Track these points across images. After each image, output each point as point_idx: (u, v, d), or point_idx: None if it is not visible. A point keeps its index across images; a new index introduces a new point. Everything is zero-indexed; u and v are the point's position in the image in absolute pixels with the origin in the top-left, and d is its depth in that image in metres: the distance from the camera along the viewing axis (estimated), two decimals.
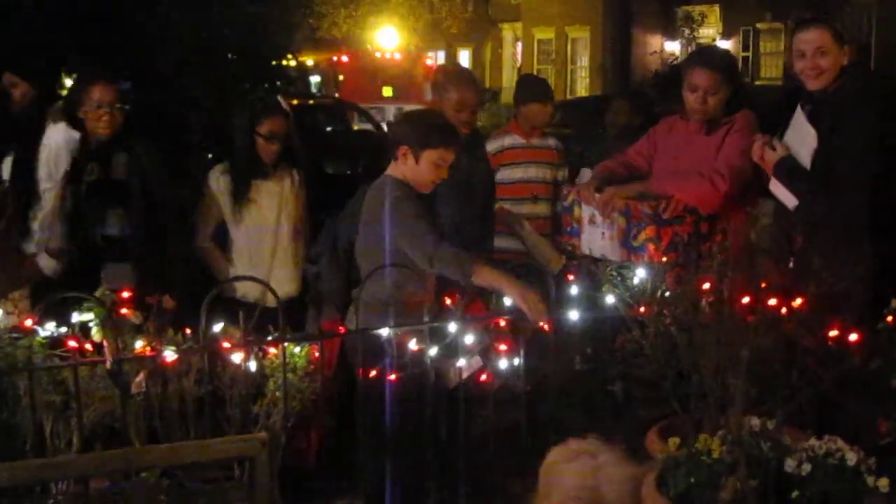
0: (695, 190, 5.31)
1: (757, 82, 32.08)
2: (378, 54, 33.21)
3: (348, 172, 14.90)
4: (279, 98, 6.06)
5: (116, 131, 5.42)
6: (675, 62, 29.66)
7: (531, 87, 7.46)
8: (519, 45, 44.57)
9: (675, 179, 5.43)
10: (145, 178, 5.51)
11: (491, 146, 6.97)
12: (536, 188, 7.02)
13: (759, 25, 35.03)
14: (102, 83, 5.43)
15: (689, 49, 32.40)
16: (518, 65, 43.88)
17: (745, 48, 35.37)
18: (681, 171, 5.47)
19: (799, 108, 5.08)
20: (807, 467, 3.41)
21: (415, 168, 4.90)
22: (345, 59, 31.57)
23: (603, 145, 7.75)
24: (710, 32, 36.50)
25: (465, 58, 49.05)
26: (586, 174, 6.26)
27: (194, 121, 8.63)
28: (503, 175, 6.91)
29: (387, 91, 29.90)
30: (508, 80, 43.37)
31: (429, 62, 32.65)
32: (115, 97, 5.43)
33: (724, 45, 35.24)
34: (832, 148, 4.85)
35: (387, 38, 42.90)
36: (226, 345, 4.29)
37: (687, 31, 36.23)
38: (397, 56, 32.88)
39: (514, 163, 7.02)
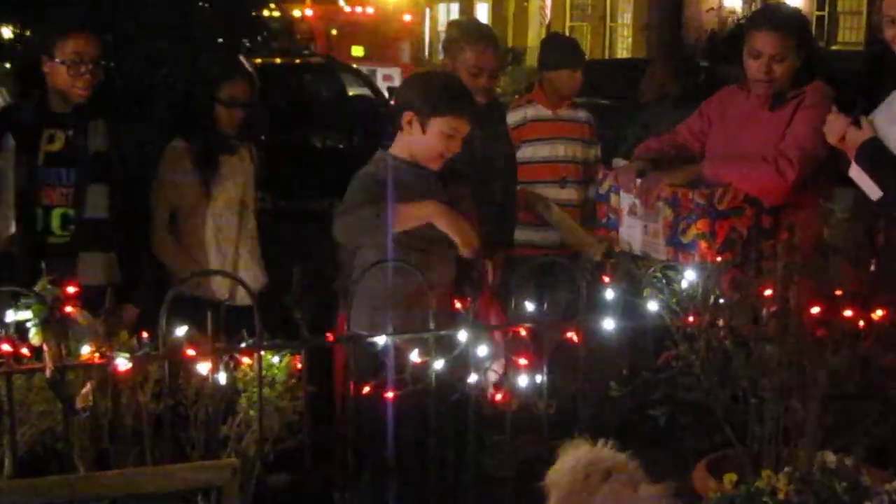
0: (757, 177, 5.33)
1: (833, 47, 32.07)
2: (348, 8, 33.46)
3: (341, 146, 14.99)
4: (241, 58, 6.05)
5: (93, 93, 5.39)
6: (737, 22, 29.70)
7: (560, 49, 7.48)
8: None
9: (733, 164, 5.44)
10: (125, 150, 5.52)
11: (511, 118, 6.98)
12: (566, 169, 7.05)
13: None
14: (83, 34, 5.36)
15: (753, 6, 32.42)
16: (546, 21, 43.81)
17: (820, 6, 35.31)
18: (740, 153, 5.48)
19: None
20: None
21: (421, 138, 4.93)
22: (308, 12, 31.80)
23: (644, 119, 7.77)
24: None
25: (483, 12, 49.05)
26: (620, 161, 6.31)
27: (161, 84, 8.59)
28: (525, 153, 6.93)
29: (356, 51, 30.13)
30: (534, 38, 43.36)
31: (406, 18, 32.90)
32: (98, 51, 5.37)
33: (795, 2, 35.29)
34: None
35: None
36: (190, 352, 4.28)
37: None
38: (369, 10, 33.14)
39: (538, 138, 7.05)
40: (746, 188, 5.29)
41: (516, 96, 7.69)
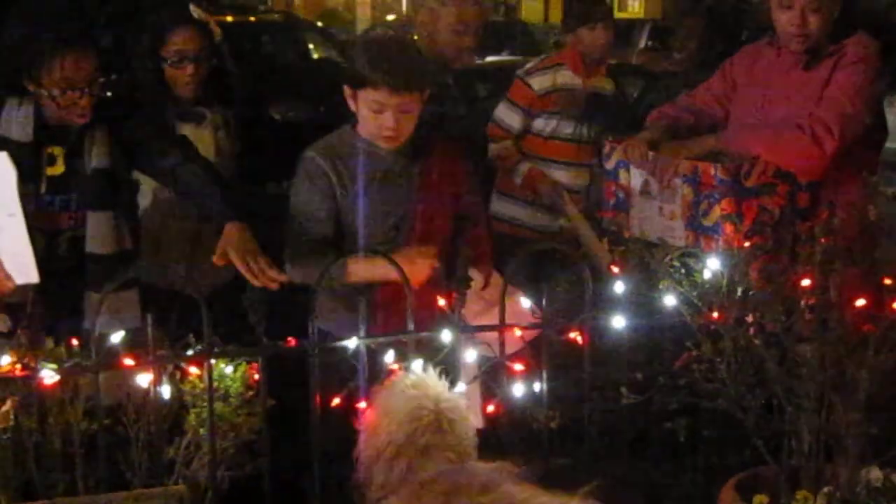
0: (790, 147, 5.36)
1: None
2: None
3: (304, 120, 15.01)
4: (191, 6, 6.05)
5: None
6: None
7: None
8: None
9: (763, 133, 5.49)
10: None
11: (538, 82, 7.01)
12: (587, 152, 7.04)
13: None
14: (78, 53, 5.15)
15: None
16: None
17: None
18: (770, 120, 5.52)
19: None
20: None
21: (360, 115, 5.03)
22: None
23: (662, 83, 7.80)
24: None
25: None
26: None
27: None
28: (543, 125, 6.95)
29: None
30: None
31: None
32: (96, 70, 5.19)
33: None
34: None
35: None
36: (128, 362, 4.30)
37: None
38: None
39: (564, 111, 7.03)
40: (778, 161, 5.32)
41: (542, 56, 7.53)
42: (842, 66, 5.45)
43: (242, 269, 4.85)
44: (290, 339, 4.56)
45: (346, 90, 5.02)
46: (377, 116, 4.93)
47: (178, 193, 5.38)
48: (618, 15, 35.92)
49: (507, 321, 4.70)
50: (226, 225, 4.95)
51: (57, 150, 5.13)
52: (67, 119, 5.10)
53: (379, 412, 4.15)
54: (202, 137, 5.77)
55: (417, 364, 4.38)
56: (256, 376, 4.51)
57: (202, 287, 4.97)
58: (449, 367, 4.43)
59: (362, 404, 4.37)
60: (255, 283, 4.78)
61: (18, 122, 5.06)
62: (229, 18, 19.98)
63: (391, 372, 4.41)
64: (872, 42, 5.54)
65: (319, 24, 24.12)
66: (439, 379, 4.24)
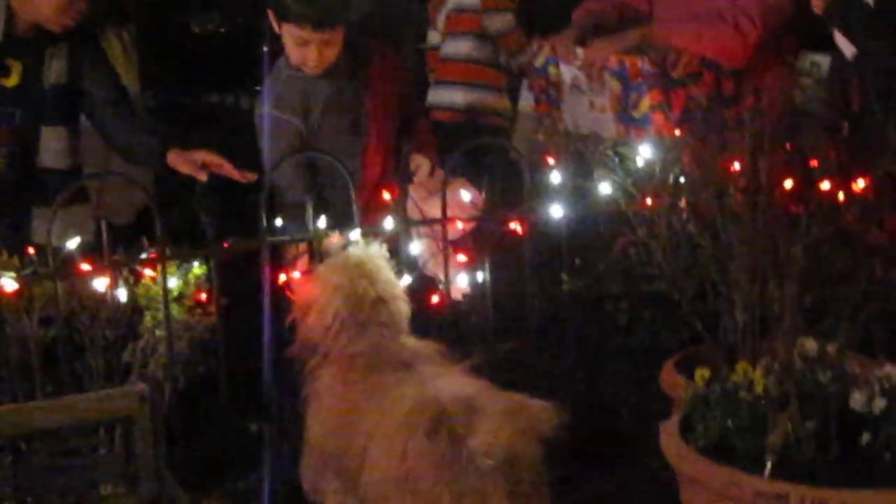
0: (715, 36, 5.44)
1: None
2: None
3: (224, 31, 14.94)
4: None
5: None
6: None
7: None
8: None
9: (687, 25, 5.54)
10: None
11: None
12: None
13: None
14: None
15: None
16: None
17: None
18: (694, 11, 5.56)
19: None
20: (880, 403, 3.58)
21: (285, 42, 5.16)
22: None
23: None
24: None
25: None
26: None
27: None
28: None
29: None
30: None
31: None
32: None
33: None
34: None
35: None
36: (84, 267, 4.36)
37: None
38: None
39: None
40: (703, 51, 5.42)
41: None
42: None
43: (188, 170, 4.98)
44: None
45: (271, 17, 5.11)
46: (301, 49, 5.07)
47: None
48: None
49: (449, 212, 4.82)
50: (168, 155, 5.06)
51: (14, 63, 5.11)
52: (45, 25, 5.07)
53: (324, 288, 4.26)
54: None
55: (359, 242, 4.51)
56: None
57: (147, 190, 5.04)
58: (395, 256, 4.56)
59: (296, 275, 4.54)
60: (202, 176, 4.94)
61: None
62: None
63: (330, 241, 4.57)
64: None
65: None
66: (381, 256, 4.37)
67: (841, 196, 4.24)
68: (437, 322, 4.77)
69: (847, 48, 5.13)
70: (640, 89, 5.44)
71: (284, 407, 4.62)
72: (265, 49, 5.97)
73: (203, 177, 4.99)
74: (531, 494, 3.68)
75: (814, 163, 4.36)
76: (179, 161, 5.02)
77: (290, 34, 5.08)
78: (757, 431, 3.59)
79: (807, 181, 4.26)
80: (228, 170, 4.96)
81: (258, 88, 5.56)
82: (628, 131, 5.44)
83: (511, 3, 6.88)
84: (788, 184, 4.25)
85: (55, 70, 5.19)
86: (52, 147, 5.22)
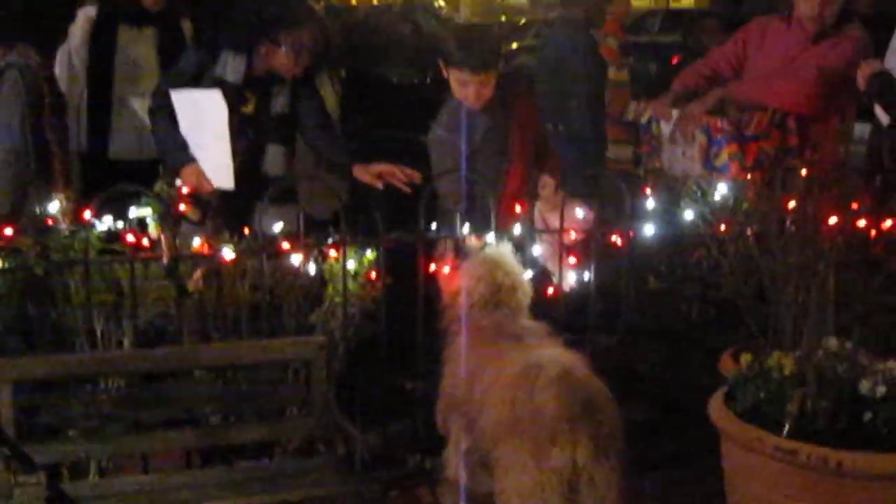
0: (780, 88, 5.56)
1: None
2: None
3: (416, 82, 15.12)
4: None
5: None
6: None
7: None
8: None
9: (760, 81, 5.68)
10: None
11: None
12: None
13: None
14: (313, 25, 5.41)
15: None
16: None
17: None
18: (771, 69, 5.70)
19: None
20: (882, 389, 3.72)
21: (451, 83, 5.30)
22: None
23: None
24: None
25: None
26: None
27: None
28: None
29: None
30: None
31: None
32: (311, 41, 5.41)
33: None
34: None
35: None
36: (285, 246, 4.64)
37: None
38: None
39: None
40: (775, 101, 5.52)
41: None
42: (840, 45, 5.63)
43: (368, 179, 5.27)
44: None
45: (441, 64, 5.29)
46: (463, 89, 5.21)
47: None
48: (673, 4, 35.47)
49: (566, 223, 5.01)
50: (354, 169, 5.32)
51: (249, 94, 5.32)
52: (276, 71, 5.32)
53: (470, 275, 4.50)
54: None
55: (495, 242, 4.73)
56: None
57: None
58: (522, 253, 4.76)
59: (447, 270, 4.74)
60: (378, 184, 5.21)
61: (234, 67, 5.25)
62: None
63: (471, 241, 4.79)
64: (863, 30, 5.71)
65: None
66: (512, 254, 4.59)
67: (872, 231, 4.35)
68: (551, 308, 4.87)
69: (883, 118, 5.23)
70: (720, 143, 5.52)
71: (431, 368, 4.72)
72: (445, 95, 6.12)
73: (379, 184, 5.21)
74: (610, 442, 3.82)
75: (854, 205, 4.45)
76: (361, 172, 5.26)
77: (454, 77, 5.21)
78: (781, 403, 3.75)
79: (848, 219, 4.34)
80: (398, 180, 5.18)
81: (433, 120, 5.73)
82: (711, 174, 5.51)
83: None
84: (833, 220, 4.32)
85: (280, 102, 5.41)
86: (274, 160, 5.43)
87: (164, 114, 5.22)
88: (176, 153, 5.19)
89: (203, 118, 5.12)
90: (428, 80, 14.68)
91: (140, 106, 5.72)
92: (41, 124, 4.94)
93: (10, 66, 4.86)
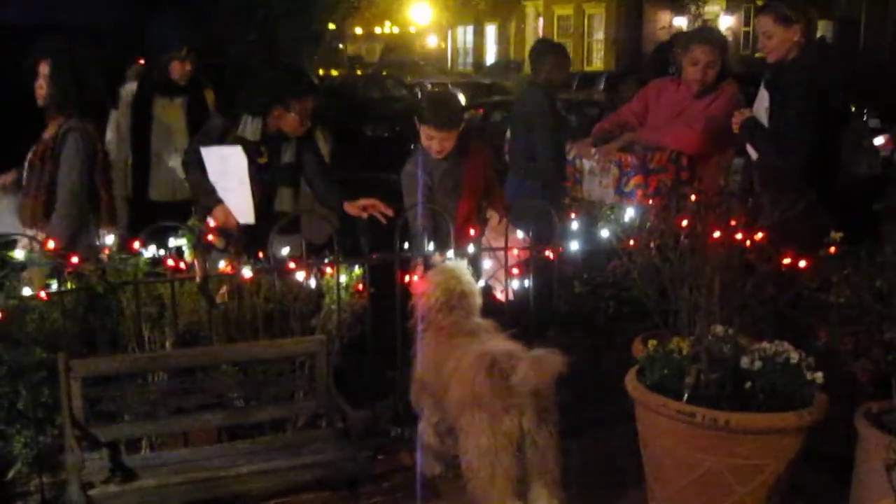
0: (675, 134, 5.63)
1: (757, 55, 31.98)
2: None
3: (386, 135, 15.20)
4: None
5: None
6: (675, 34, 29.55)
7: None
8: (541, 21, 44.46)
9: (659, 128, 5.74)
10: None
11: None
12: None
13: (759, 2, 34.75)
14: (314, 95, 5.43)
15: (696, 24, 32.23)
16: (540, 37, 43.72)
17: (746, 23, 35.25)
18: (667, 121, 5.78)
19: (763, 80, 5.41)
20: (758, 364, 3.85)
21: (421, 136, 5.34)
22: None
23: None
24: (715, 9, 36.36)
25: (491, 32, 48.93)
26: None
27: None
28: None
29: None
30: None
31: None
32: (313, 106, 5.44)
33: (727, 20, 35.18)
34: (780, 109, 5.17)
35: (419, 13, 42.84)
36: (291, 266, 4.68)
37: (693, 8, 36.11)
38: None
39: None
40: (669, 143, 5.59)
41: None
42: (718, 99, 5.73)
43: (355, 212, 5.24)
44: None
45: (416, 120, 5.32)
46: (428, 141, 5.27)
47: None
48: (586, 68, 35.79)
49: (509, 245, 5.07)
50: (343, 204, 5.30)
51: (264, 148, 5.30)
52: (284, 131, 5.31)
53: (431, 283, 4.54)
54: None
55: (453, 258, 4.78)
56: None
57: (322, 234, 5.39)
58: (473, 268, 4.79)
59: (416, 279, 4.78)
60: (363, 215, 5.20)
61: (252, 128, 5.26)
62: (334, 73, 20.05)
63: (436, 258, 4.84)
64: (735, 86, 5.82)
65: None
66: (466, 268, 4.63)
67: (747, 242, 4.34)
68: (497, 310, 4.90)
69: (753, 153, 5.34)
70: (630, 174, 5.59)
71: (407, 360, 4.74)
72: (413, 146, 6.12)
73: (364, 215, 5.22)
74: (548, 411, 3.93)
75: (732, 222, 4.42)
76: (350, 207, 5.26)
77: (423, 131, 5.25)
78: (680, 377, 3.87)
79: (728, 233, 4.31)
80: (378, 212, 5.17)
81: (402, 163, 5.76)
82: (622, 200, 5.59)
83: None
84: (716, 234, 4.29)
85: (288, 154, 5.40)
86: (284, 199, 5.42)
87: (195, 166, 5.23)
88: (207, 196, 5.20)
89: (229, 168, 5.15)
90: (396, 131, 14.87)
91: (173, 160, 5.77)
92: (93, 176, 4.95)
93: (72, 130, 4.88)
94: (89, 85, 4.98)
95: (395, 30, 44.98)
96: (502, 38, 48.07)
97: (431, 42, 48.74)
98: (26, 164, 5.01)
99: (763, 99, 5.31)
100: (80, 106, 4.93)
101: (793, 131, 5.09)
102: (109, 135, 5.84)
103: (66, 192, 4.86)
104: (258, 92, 5.32)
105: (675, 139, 5.64)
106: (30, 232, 4.82)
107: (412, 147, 5.67)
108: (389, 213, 5.16)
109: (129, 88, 5.96)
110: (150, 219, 4.66)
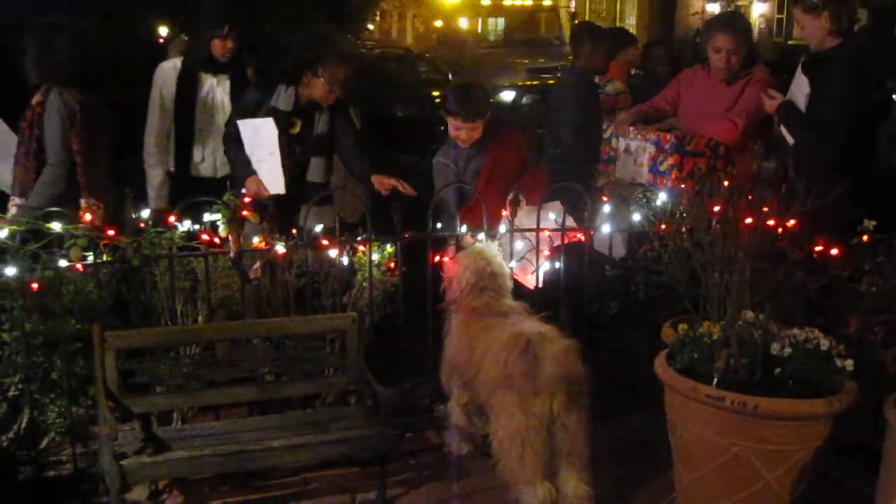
0: (718, 126, 5.60)
1: (790, 42, 31.71)
2: None
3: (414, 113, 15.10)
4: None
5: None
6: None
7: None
8: (573, 4, 44.12)
9: (702, 119, 5.71)
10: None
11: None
12: None
13: None
14: (345, 63, 5.42)
15: (731, 8, 31.96)
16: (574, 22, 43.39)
17: (780, 10, 34.85)
18: (705, 114, 5.73)
19: (800, 63, 5.38)
20: (788, 350, 3.81)
21: (448, 125, 5.43)
22: None
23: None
24: None
25: None
26: (621, 114, 6.53)
27: None
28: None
29: None
30: (566, 35, 42.94)
31: None
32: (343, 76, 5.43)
33: (760, 7, 34.84)
34: (819, 98, 5.15)
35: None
36: (324, 242, 4.69)
37: None
38: None
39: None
40: (711, 134, 5.56)
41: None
42: (751, 84, 5.67)
43: (383, 189, 5.30)
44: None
45: (443, 112, 5.43)
46: (456, 132, 5.36)
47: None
48: None
49: (541, 226, 5.07)
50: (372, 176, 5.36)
51: (296, 119, 5.39)
52: (317, 100, 5.38)
53: (461, 265, 4.57)
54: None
55: (483, 239, 4.80)
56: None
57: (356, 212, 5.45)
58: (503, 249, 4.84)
59: (447, 259, 4.79)
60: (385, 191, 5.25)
61: (285, 98, 5.35)
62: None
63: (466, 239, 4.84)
64: (767, 70, 5.78)
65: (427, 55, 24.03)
66: (496, 250, 4.67)
67: (779, 229, 4.35)
68: (528, 292, 4.94)
69: (788, 138, 5.31)
70: (668, 152, 5.58)
71: (437, 338, 4.76)
72: (442, 129, 6.16)
73: (384, 192, 5.28)
74: (579, 395, 3.95)
75: (764, 208, 4.44)
76: (377, 180, 5.31)
77: (451, 122, 5.35)
78: (710, 361, 3.83)
79: (759, 219, 4.31)
80: (405, 189, 5.21)
81: (434, 148, 5.79)
82: (655, 179, 5.58)
83: None
84: (748, 220, 4.30)
85: (320, 125, 5.46)
86: (316, 170, 5.48)
87: (234, 141, 5.32)
88: (241, 168, 5.27)
89: (261, 139, 5.20)
90: (426, 114, 14.80)
91: (215, 137, 5.80)
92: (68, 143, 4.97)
93: (52, 94, 4.97)
94: (89, 58, 5.02)
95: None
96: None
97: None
98: (19, 133, 5.04)
99: (801, 82, 5.29)
100: (79, 77, 4.96)
101: (831, 121, 5.08)
102: (150, 109, 5.94)
103: (51, 154, 4.91)
104: (289, 58, 5.41)
105: (718, 131, 5.62)
106: (17, 200, 4.88)
107: (443, 129, 5.68)
108: (411, 192, 5.21)
109: (175, 63, 5.97)
110: (192, 195, 4.69)
